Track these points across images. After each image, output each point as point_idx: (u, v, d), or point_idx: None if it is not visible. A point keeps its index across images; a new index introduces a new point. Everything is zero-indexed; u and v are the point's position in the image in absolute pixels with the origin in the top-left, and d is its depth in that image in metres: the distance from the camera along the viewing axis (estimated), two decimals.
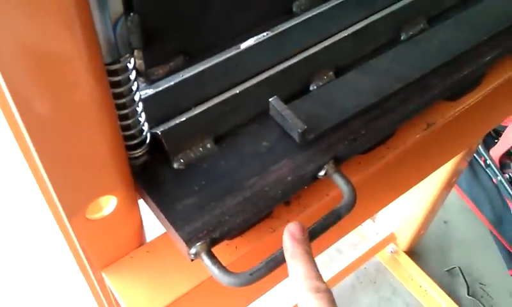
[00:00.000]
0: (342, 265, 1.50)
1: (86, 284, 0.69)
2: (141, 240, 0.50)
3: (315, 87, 0.57)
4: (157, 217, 0.46)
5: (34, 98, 0.31)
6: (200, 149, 0.50)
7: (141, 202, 0.48)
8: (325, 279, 1.32)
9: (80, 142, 0.36)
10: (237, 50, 0.55)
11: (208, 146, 0.51)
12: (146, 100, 0.48)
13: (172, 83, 0.52)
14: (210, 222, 0.44)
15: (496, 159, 1.74)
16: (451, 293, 1.53)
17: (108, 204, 0.43)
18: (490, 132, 1.81)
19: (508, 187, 1.70)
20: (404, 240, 1.66)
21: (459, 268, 1.64)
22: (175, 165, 0.49)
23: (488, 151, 1.77)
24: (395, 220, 1.64)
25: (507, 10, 0.67)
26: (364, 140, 0.54)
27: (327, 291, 0.38)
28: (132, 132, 0.45)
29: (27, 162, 0.50)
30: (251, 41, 0.56)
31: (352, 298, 1.57)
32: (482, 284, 1.60)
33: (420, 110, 0.59)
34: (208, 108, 0.51)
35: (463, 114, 0.66)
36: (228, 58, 0.55)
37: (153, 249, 0.50)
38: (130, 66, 0.42)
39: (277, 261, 0.43)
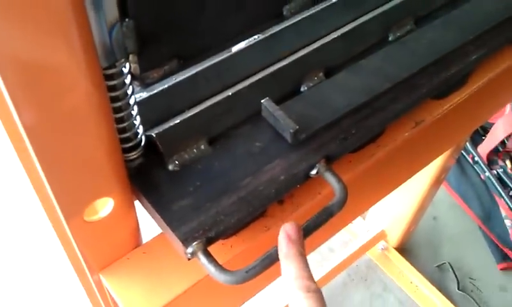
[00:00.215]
0: (334, 263, 1.52)
1: (82, 287, 0.70)
2: (137, 242, 0.51)
3: (306, 88, 0.59)
4: (153, 218, 0.47)
5: (33, 105, 0.32)
6: (194, 150, 0.51)
7: (136, 204, 0.49)
8: (317, 277, 1.34)
9: (79, 146, 0.37)
10: (229, 54, 0.56)
11: (202, 147, 0.52)
12: (140, 103, 0.48)
13: (165, 86, 0.53)
14: (206, 221, 0.45)
15: (484, 156, 1.77)
16: (442, 289, 1.55)
17: (105, 206, 0.43)
18: (477, 129, 1.83)
19: (496, 183, 1.73)
20: (394, 237, 1.68)
21: (449, 263, 1.67)
22: (170, 167, 0.50)
23: (476, 148, 1.80)
24: (385, 218, 1.65)
25: (492, 10, 0.69)
26: (355, 139, 0.55)
27: (317, 291, 0.39)
28: (127, 134, 0.46)
29: (23, 165, 0.51)
30: (242, 45, 0.57)
31: (344, 295, 1.59)
32: (472, 278, 1.63)
33: (409, 109, 0.61)
34: (202, 110, 0.52)
35: (451, 112, 0.68)
36: (220, 61, 0.56)
37: (150, 250, 0.51)
38: (126, 70, 0.43)
39: (272, 259, 0.44)
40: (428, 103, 0.66)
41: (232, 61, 0.56)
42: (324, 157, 0.52)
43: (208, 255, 0.43)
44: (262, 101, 0.53)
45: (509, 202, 1.69)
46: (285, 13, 0.53)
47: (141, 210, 0.50)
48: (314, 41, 0.60)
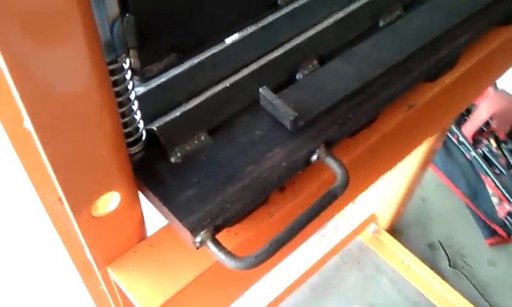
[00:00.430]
0: (327, 247, 1.54)
1: (83, 284, 0.70)
2: (142, 235, 0.52)
3: (301, 76, 0.59)
4: (159, 210, 0.48)
5: (46, 105, 0.32)
6: (196, 142, 0.52)
7: (141, 197, 0.49)
8: (311, 262, 1.35)
9: (87, 142, 0.37)
10: (225, 45, 0.57)
11: (203, 138, 0.52)
12: (140, 98, 0.49)
13: (163, 80, 0.53)
14: (213, 210, 0.46)
15: (469, 136, 1.80)
16: (433, 267, 1.58)
17: (111, 200, 0.44)
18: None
19: (481, 162, 1.77)
20: (385, 219, 1.70)
21: (440, 242, 1.70)
22: (172, 159, 0.50)
23: (460, 129, 1.83)
24: (375, 201, 1.68)
25: None
26: (352, 123, 0.56)
27: None
28: (128, 129, 0.46)
29: (23, 164, 0.51)
30: (236, 36, 0.58)
31: (338, 278, 1.61)
32: (462, 255, 1.66)
33: (402, 93, 0.62)
34: (201, 102, 0.53)
35: (441, 95, 0.69)
36: (216, 53, 0.56)
37: (156, 242, 0.51)
38: (126, 65, 0.43)
39: (279, 244, 0.45)
40: (419, 86, 0.67)
41: (228, 53, 0.57)
42: (324, 142, 0.53)
43: (217, 243, 0.44)
44: (260, 90, 0.54)
45: (495, 179, 1.72)
46: (279, 2, 0.54)
47: (144, 204, 0.50)
48: (308, 30, 0.61)
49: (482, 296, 1.54)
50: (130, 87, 0.44)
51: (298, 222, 0.47)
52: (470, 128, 1.79)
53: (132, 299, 0.46)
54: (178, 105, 0.53)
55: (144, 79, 0.46)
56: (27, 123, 0.33)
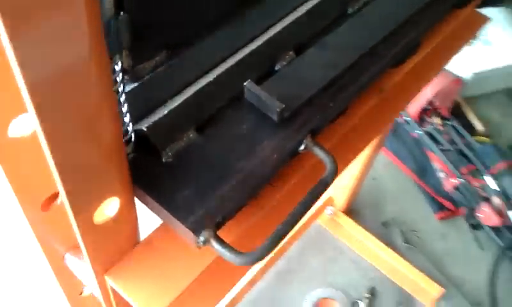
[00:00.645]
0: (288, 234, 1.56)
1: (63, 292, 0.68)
2: (136, 239, 0.50)
3: (279, 67, 0.60)
4: (155, 212, 0.47)
5: (55, 108, 0.31)
6: (185, 140, 0.51)
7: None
8: (273, 251, 1.36)
9: (91, 145, 0.36)
10: (203, 41, 0.56)
11: (191, 135, 0.52)
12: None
13: (145, 79, 0.52)
14: (211, 208, 0.46)
15: (414, 115, 1.88)
16: (389, 244, 1.64)
17: (111, 206, 0.43)
18: None
19: (427, 140, 1.85)
20: (341, 201, 1.75)
21: (393, 219, 1.77)
22: (164, 159, 0.49)
23: (406, 109, 1.90)
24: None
25: None
26: (333, 111, 0.57)
27: None
28: None
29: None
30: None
31: (301, 263, 1.64)
32: (414, 230, 1.74)
33: (376, 77, 0.64)
34: (186, 98, 0.52)
35: (407, 77, 0.72)
36: (196, 49, 0.55)
37: (150, 245, 0.50)
38: (118, 67, 0.42)
39: (280, 236, 0.46)
40: (387, 71, 0.70)
41: (206, 48, 0.56)
42: (309, 131, 0.54)
43: (220, 240, 0.44)
44: (245, 84, 0.54)
45: (440, 155, 1.81)
46: None
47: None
48: (281, 21, 0.62)
49: (436, 268, 1.62)
50: (121, 88, 0.43)
51: (295, 213, 0.48)
52: (415, 108, 1.87)
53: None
54: (163, 103, 0.52)
55: (135, 78, 0.45)
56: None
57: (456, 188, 1.75)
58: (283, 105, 0.52)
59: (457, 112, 2.01)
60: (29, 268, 1.49)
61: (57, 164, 0.33)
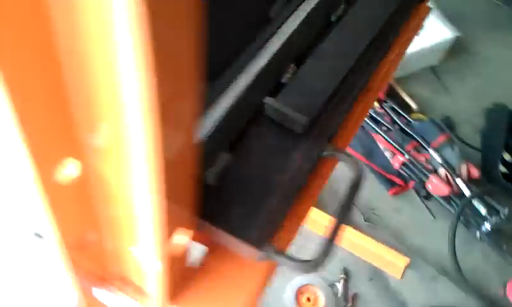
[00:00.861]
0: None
1: None
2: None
3: (285, 80, 0.63)
4: (211, 234, 0.49)
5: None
6: (221, 162, 0.53)
7: None
8: (328, 256, 1.39)
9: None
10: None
11: (225, 157, 0.54)
12: None
13: None
14: (265, 222, 0.49)
15: None
16: (352, 224, 1.74)
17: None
18: None
19: (370, 122, 1.96)
20: None
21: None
22: (208, 182, 0.51)
23: None
24: None
25: None
26: (343, 115, 0.62)
27: None
28: None
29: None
30: None
31: None
32: (372, 208, 1.85)
33: (368, 78, 0.69)
34: (217, 123, 0.54)
35: (384, 74, 0.78)
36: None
37: (206, 270, 0.52)
38: None
39: (332, 241, 0.50)
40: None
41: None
42: (328, 137, 0.58)
43: (281, 251, 0.47)
44: (265, 100, 0.57)
45: (384, 136, 1.93)
46: (271, 15, 0.57)
47: None
48: (277, 35, 0.65)
49: (398, 241, 1.74)
50: None
51: (340, 216, 0.52)
52: None
53: None
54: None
55: None
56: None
57: (403, 164, 1.88)
58: (307, 118, 0.56)
59: (391, 94, 2.15)
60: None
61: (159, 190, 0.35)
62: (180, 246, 0.44)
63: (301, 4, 0.69)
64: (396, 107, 2.03)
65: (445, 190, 1.75)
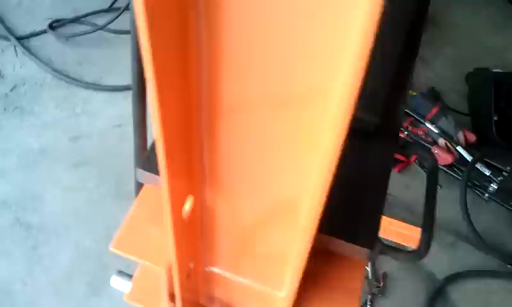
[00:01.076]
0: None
1: None
2: None
3: None
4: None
5: None
6: None
7: None
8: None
9: None
10: None
11: None
12: None
13: None
14: (369, 223, 0.52)
15: None
16: None
17: None
18: None
19: None
20: None
21: None
22: None
23: None
24: None
25: None
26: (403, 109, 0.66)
27: None
28: None
29: None
30: None
31: None
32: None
33: None
34: None
35: None
36: None
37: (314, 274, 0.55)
38: None
39: (432, 229, 0.54)
40: None
41: None
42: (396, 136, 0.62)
43: (391, 246, 0.51)
44: None
45: None
46: None
47: None
48: None
49: (412, 216, 1.80)
50: None
51: (430, 204, 0.56)
52: None
53: None
54: None
55: None
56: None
57: (404, 141, 1.94)
58: (378, 117, 0.59)
59: None
60: None
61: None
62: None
63: None
64: None
65: (448, 158, 1.82)
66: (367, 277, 1.60)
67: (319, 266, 0.56)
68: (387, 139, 0.60)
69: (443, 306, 1.62)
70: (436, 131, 1.89)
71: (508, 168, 1.77)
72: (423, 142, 1.88)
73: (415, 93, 2.13)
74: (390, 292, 1.61)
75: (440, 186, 1.89)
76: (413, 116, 1.97)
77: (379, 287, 1.58)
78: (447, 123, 1.93)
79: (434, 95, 2.12)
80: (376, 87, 0.65)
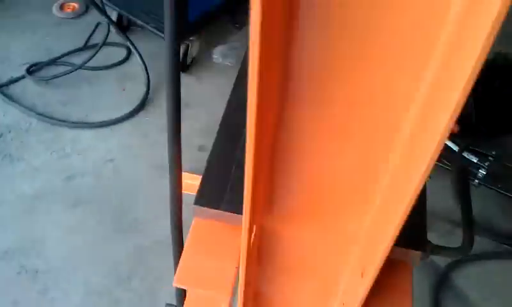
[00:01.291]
0: None
1: None
2: None
3: None
4: None
5: None
6: None
7: None
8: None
9: None
10: None
11: None
12: None
13: None
14: (420, 225, 0.56)
15: None
16: None
17: None
18: None
19: None
20: None
21: None
22: None
23: None
24: None
25: None
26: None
27: None
28: None
29: None
30: None
31: None
32: None
33: None
34: None
35: None
36: None
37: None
38: None
39: (472, 224, 0.58)
40: None
41: None
42: None
43: (438, 245, 0.55)
44: None
45: None
46: None
47: None
48: None
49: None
50: None
51: (465, 196, 0.60)
52: None
53: None
54: None
55: None
56: None
57: None
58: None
59: None
60: None
61: None
62: None
63: None
64: None
65: None
66: None
67: None
68: None
69: (449, 293, 1.68)
70: None
71: (493, 153, 1.85)
72: None
73: None
74: None
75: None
76: None
77: None
78: None
79: None
80: None
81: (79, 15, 2.54)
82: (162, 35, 2.28)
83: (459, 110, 0.32)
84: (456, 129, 2.00)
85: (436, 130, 0.33)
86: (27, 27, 2.45)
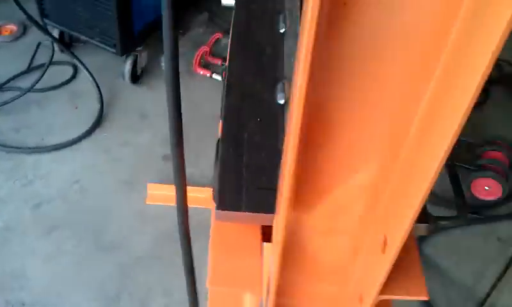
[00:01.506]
0: None
1: None
2: None
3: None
4: None
5: None
6: None
7: None
8: None
9: None
10: None
11: None
12: None
13: None
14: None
15: None
16: None
17: None
18: None
19: None
20: None
21: None
22: None
23: None
24: None
25: None
26: None
27: None
28: None
29: None
30: None
31: None
32: None
33: None
34: None
35: None
36: None
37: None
38: None
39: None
40: None
41: None
42: None
43: (438, 216, 0.64)
44: None
45: None
46: None
47: None
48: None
49: None
50: None
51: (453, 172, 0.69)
52: None
53: None
54: None
55: None
56: None
57: None
58: None
59: None
60: None
61: None
62: None
63: None
64: None
65: None
66: None
67: None
68: None
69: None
70: None
71: None
72: None
73: None
74: None
75: None
76: None
77: None
78: None
79: None
80: None
81: (17, 38, 2.47)
82: (109, 48, 2.26)
83: None
84: None
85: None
86: None
